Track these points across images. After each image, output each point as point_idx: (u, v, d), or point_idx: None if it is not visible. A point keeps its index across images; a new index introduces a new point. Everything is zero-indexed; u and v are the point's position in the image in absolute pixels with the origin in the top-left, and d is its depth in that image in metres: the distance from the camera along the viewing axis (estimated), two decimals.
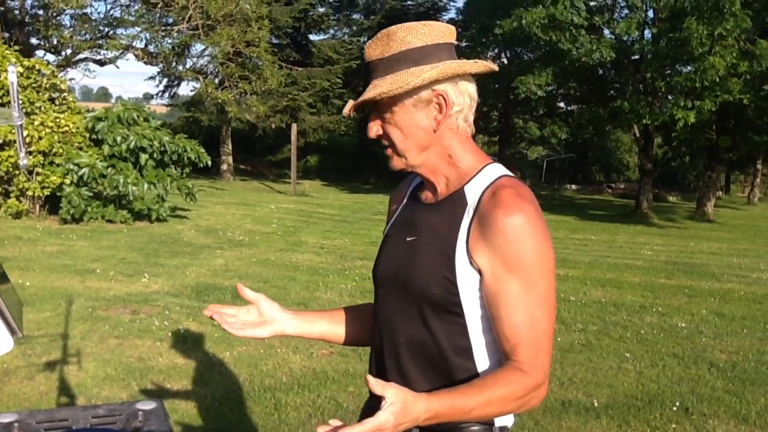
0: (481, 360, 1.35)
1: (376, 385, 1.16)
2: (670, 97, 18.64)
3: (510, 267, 1.27)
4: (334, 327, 1.66)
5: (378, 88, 1.32)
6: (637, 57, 19.30)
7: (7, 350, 1.22)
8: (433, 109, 1.34)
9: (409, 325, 1.39)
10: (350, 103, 1.41)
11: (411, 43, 1.31)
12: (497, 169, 1.39)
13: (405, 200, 1.54)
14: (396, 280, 1.42)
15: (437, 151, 1.37)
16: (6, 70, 10.02)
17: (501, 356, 1.34)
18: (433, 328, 1.35)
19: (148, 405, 1.77)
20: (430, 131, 1.35)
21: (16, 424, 1.58)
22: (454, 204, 1.36)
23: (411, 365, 1.40)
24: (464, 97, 1.36)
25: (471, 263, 1.30)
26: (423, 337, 1.37)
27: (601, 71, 20.51)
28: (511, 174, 1.39)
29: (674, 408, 4.09)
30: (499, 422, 1.37)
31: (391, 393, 1.15)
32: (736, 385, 4.58)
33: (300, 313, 1.65)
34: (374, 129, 1.38)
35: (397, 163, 1.40)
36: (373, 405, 1.50)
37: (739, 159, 25.30)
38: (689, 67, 17.28)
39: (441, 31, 1.35)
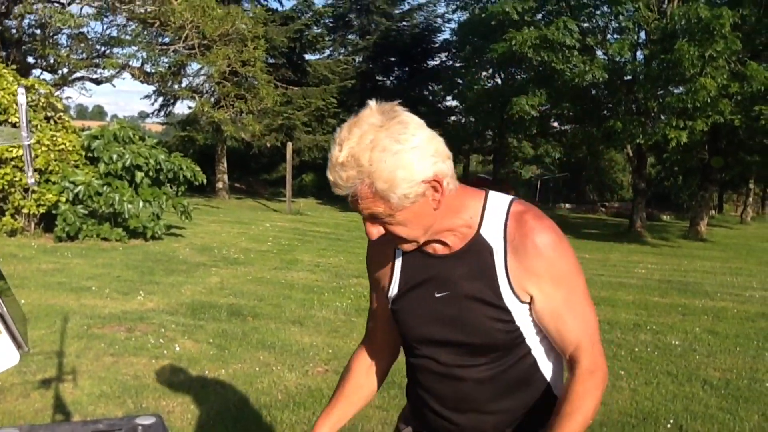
0: (546, 366, 1.45)
1: None
2: (662, 117, 18.81)
3: (556, 282, 1.35)
4: (354, 403, 1.65)
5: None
6: (629, 78, 19.50)
7: (14, 364, 1.25)
8: (430, 194, 1.28)
9: (475, 369, 1.42)
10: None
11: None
12: (498, 199, 1.40)
13: (399, 255, 1.47)
14: (446, 338, 1.41)
15: (441, 218, 1.34)
16: (3, 89, 10.08)
17: (559, 354, 1.44)
18: (503, 363, 1.41)
19: (148, 420, 1.79)
20: (432, 211, 1.30)
21: None
22: (477, 251, 1.36)
23: (485, 396, 1.44)
24: (445, 163, 1.29)
25: (519, 299, 1.35)
26: (494, 374, 1.42)
27: (594, 92, 20.69)
28: (509, 196, 1.42)
29: (668, 425, 4.11)
30: None
31: None
32: (729, 402, 4.60)
33: (333, 421, 1.61)
34: (375, 232, 1.32)
35: (408, 248, 1.37)
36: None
37: (731, 179, 25.49)
38: (681, 88, 17.47)
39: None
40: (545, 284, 1.34)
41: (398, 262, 1.47)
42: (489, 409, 1.45)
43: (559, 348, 1.41)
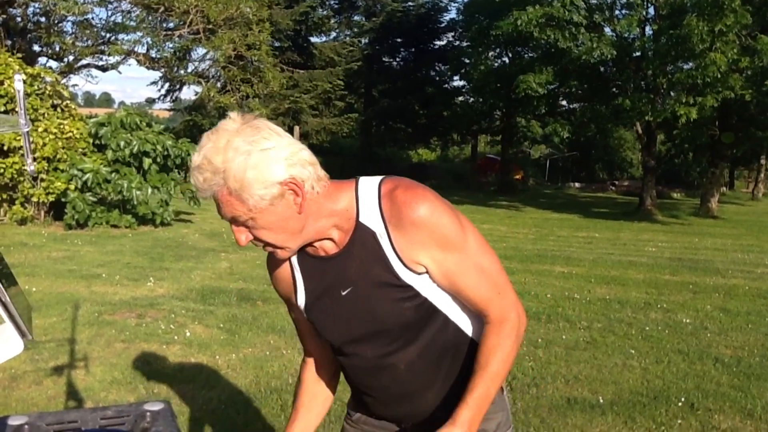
0: (467, 326, 1.46)
1: None
2: (671, 93, 18.64)
3: (443, 247, 1.34)
4: (314, 412, 1.68)
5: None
6: (638, 54, 19.30)
7: (18, 352, 1.24)
8: (289, 196, 1.29)
9: (402, 353, 1.43)
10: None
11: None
12: (367, 183, 1.40)
13: (296, 266, 1.48)
14: (363, 332, 1.43)
15: (314, 220, 1.34)
16: (10, 78, 10.08)
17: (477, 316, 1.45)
18: (426, 338, 1.43)
19: (156, 406, 1.79)
20: (296, 215, 1.31)
21: (26, 427, 1.60)
22: (362, 239, 1.37)
23: (422, 375, 1.47)
24: (306, 168, 1.30)
25: (414, 271, 1.36)
26: (422, 351, 1.44)
27: (602, 69, 20.50)
28: (378, 177, 1.42)
29: (679, 404, 4.09)
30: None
31: None
32: (741, 380, 4.58)
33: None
34: (243, 238, 1.33)
35: (283, 255, 1.38)
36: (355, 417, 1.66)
37: (742, 155, 25.26)
38: (690, 64, 17.28)
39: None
40: (434, 251, 1.34)
41: (297, 273, 1.49)
42: (429, 386, 1.48)
43: (470, 307, 1.42)
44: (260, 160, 1.24)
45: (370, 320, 1.41)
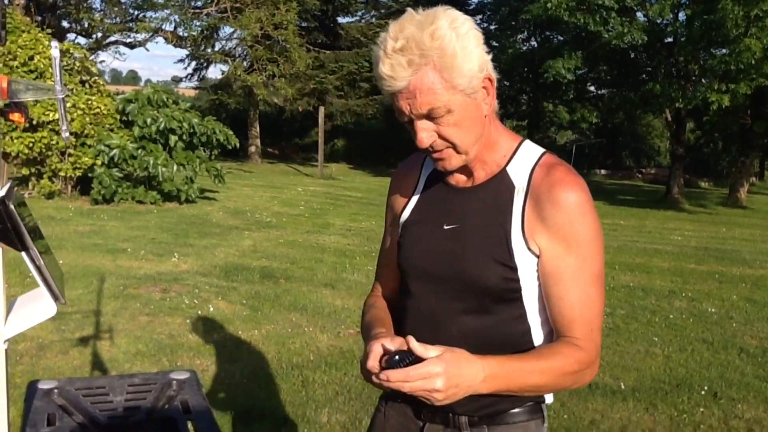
0: (539, 340, 1.33)
1: (419, 347, 1.12)
2: (703, 80, 18.28)
3: (569, 245, 1.24)
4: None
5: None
6: (670, 40, 18.94)
7: (51, 314, 1.27)
8: (482, 95, 1.23)
9: (462, 317, 1.31)
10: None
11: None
12: (534, 147, 1.34)
13: (422, 183, 1.42)
14: (442, 272, 1.32)
15: (484, 138, 1.28)
16: (40, 53, 10.19)
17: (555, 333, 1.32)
18: (492, 318, 1.30)
19: (182, 375, 1.82)
20: (482, 119, 1.25)
21: (56, 391, 1.64)
22: (498, 187, 1.29)
23: None
24: (492, 67, 1.24)
25: (528, 247, 1.26)
26: (481, 329, 1.30)
27: (632, 54, 20.17)
28: (543, 148, 1.35)
29: (702, 392, 4.06)
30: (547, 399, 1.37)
31: (437, 349, 1.13)
32: (766, 370, 4.53)
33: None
34: (426, 137, 1.22)
35: (456, 162, 1.27)
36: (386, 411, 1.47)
37: None
38: (724, 50, 16.91)
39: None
40: (557, 242, 1.24)
41: (419, 189, 1.42)
42: None
43: (553, 319, 1.29)
44: (468, 42, 1.17)
45: (454, 264, 1.30)
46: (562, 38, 22.35)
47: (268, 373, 4.10)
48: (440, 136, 1.22)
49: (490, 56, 1.23)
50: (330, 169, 21.42)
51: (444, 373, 1.10)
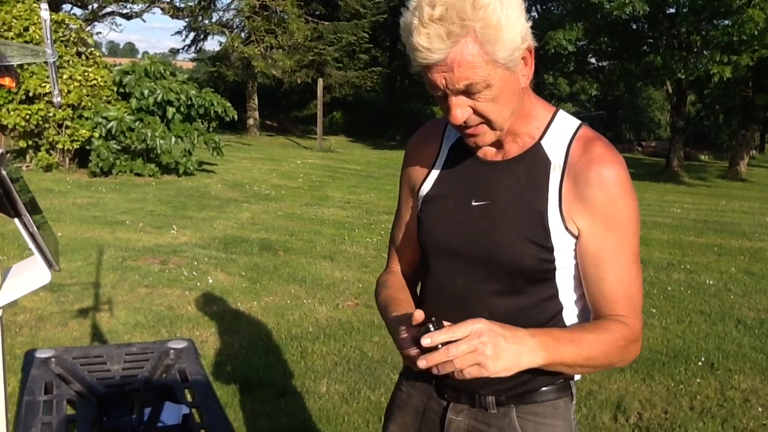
0: (571, 320, 1.28)
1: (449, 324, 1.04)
2: (705, 52, 18.12)
3: (609, 224, 1.19)
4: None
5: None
6: (672, 11, 18.73)
7: (46, 282, 1.25)
8: (520, 67, 1.14)
9: (493, 299, 1.24)
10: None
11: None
12: (570, 118, 1.26)
13: (444, 155, 1.32)
14: (472, 252, 1.25)
15: (518, 109, 1.19)
16: (35, 24, 10.07)
17: (590, 314, 1.27)
18: (524, 299, 1.24)
19: (180, 344, 1.82)
20: (519, 90, 1.16)
21: (53, 359, 1.64)
22: (533, 162, 1.22)
23: None
24: (531, 36, 1.14)
25: (566, 227, 1.20)
26: (511, 310, 1.23)
27: (633, 26, 19.95)
28: (579, 120, 1.28)
29: (699, 363, 4.08)
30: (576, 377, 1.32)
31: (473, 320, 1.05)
32: (763, 342, 4.55)
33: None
34: (460, 113, 1.13)
35: (489, 139, 1.19)
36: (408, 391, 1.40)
37: None
38: (726, 21, 16.73)
39: None
40: (597, 222, 1.18)
41: (440, 161, 1.32)
42: None
43: (593, 299, 1.24)
44: (512, 11, 1.07)
45: (485, 245, 1.23)
46: (562, 8, 22.09)
47: (267, 344, 4.12)
48: (475, 112, 1.14)
49: (529, 24, 1.14)
50: (329, 142, 21.33)
51: (487, 330, 1.04)
